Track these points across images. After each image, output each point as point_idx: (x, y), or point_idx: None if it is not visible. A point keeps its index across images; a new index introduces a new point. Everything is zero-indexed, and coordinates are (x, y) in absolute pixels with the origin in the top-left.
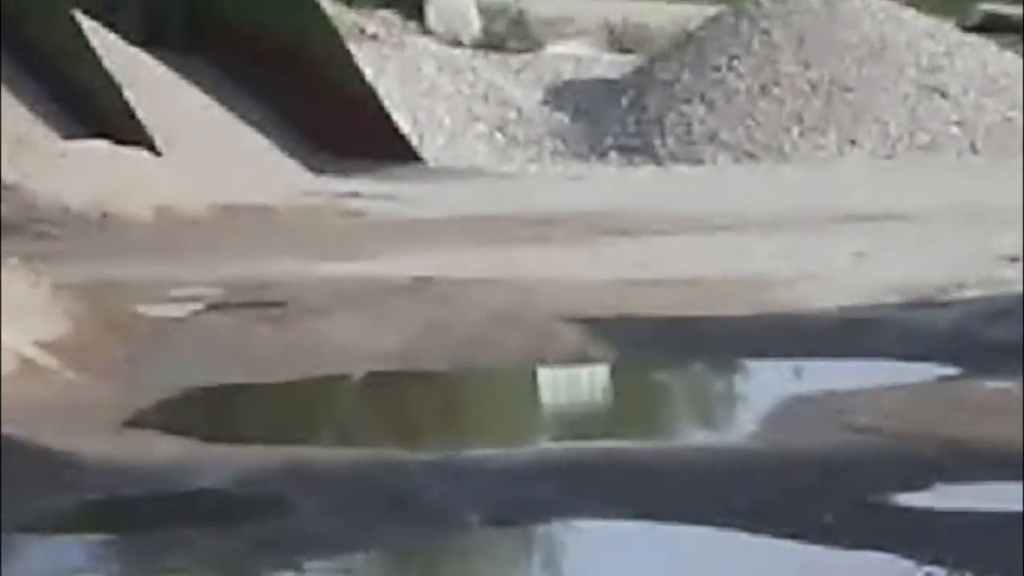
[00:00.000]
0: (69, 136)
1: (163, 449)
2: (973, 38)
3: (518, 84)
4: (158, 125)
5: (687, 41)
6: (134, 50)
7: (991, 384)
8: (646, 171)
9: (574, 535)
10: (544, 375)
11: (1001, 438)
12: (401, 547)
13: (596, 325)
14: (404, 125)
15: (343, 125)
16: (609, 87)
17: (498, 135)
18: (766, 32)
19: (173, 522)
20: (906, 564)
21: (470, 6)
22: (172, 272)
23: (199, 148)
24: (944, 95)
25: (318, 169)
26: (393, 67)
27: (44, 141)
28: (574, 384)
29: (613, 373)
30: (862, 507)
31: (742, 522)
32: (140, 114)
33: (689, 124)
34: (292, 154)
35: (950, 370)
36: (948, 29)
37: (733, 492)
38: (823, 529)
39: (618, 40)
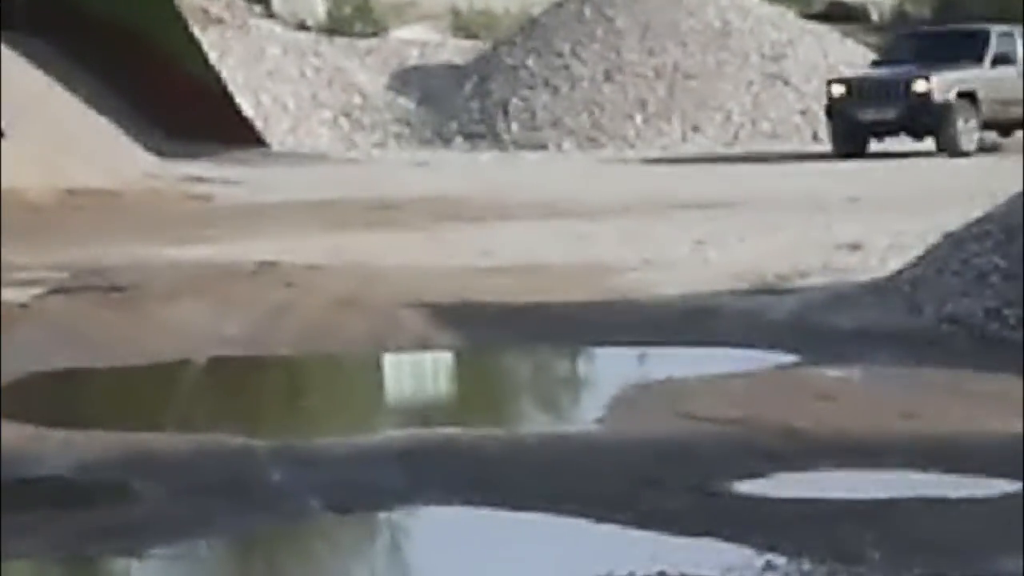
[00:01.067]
0: None
1: (4, 436)
2: (816, 26)
3: (363, 69)
4: (0, 107)
5: (531, 27)
6: None
7: (831, 372)
8: (490, 156)
9: (414, 522)
10: (387, 361)
11: (839, 426)
12: (243, 533)
13: (439, 311)
14: (248, 109)
15: (187, 109)
16: (454, 72)
17: (343, 120)
18: (610, 19)
19: (13, 509)
20: (746, 552)
21: None
22: (14, 256)
23: (42, 131)
24: (787, 83)
25: (162, 153)
26: (238, 50)
27: None
28: (417, 371)
29: (456, 360)
30: (702, 495)
31: (585, 510)
32: None
33: (533, 110)
34: (136, 138)
35: (790, 358)
36: (791, 17)
37: (575, 480)
38: (665, 517)
39: (463, 25)
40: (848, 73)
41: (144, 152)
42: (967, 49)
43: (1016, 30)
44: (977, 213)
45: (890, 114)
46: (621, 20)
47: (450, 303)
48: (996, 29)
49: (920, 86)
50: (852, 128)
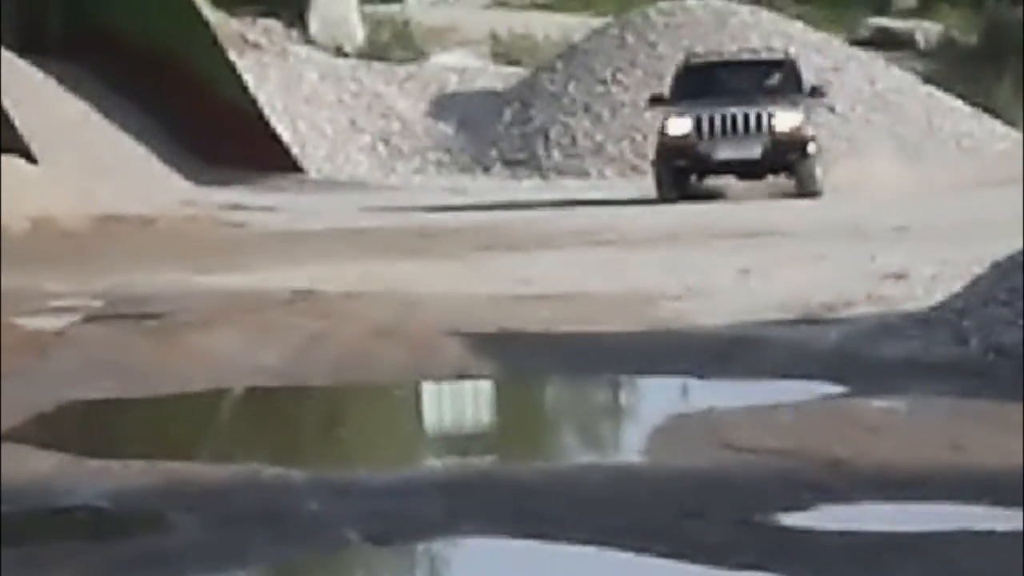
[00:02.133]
0: None
1: (39, 465)
2: (862, 53)
3: (402, 95)
4: (35, 133)
5: (572, 53)
6: (10, 55)
7: (876, 403)
8: (531, 184)
9: (453, 553)
10: (426, 391)
11: (884, 458)
12: (278, 564)
13: (478, 340)
14: (286, 135)
15: (224, 135)
16: (494, 99)
17: (381, 146)
18: (652, 44)
19: (49, 539)
20: None
21: (353, 15)
22: (49, 283)
23: (77, 157)
24: (832, 110)
25: (198, 179)
26: (275, 76)
27: None
28: (456, 400)
29: (495, 390)
30: (745, 527)
31: (625, 541)
32: (16, 121)
33: (574, 137)
34: (172, 164)
35: (835, 389)
36: (837, 44)
37: (616, 511)
38: (707, 549)
39: (503, 51)
40: (682, 109)
41: (180, 178)
42: (784, 81)
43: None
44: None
45: (753, 152)
46: (663, 45)
47: (489, 332)
48: (789, 56)
49: (787, 121)
50: (700, 168)
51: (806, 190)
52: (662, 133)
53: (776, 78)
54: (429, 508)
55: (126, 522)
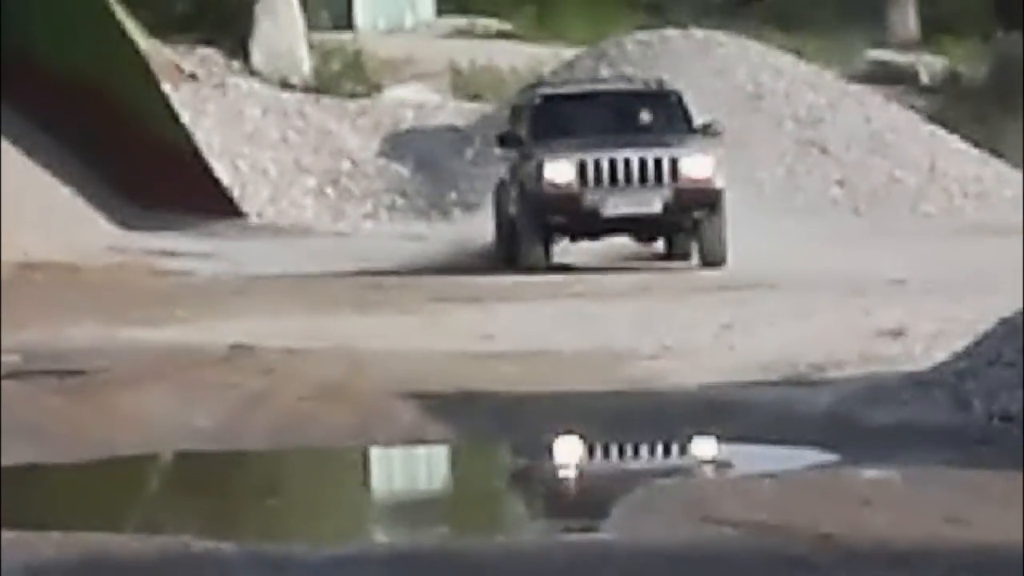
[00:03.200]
0: None
1: None
2: (858, 88)
3: (353, 132)
4: None
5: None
6: None
7: (869, 473)
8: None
9: None
10: (375, 457)
11: (878, 534)
12: None
13: (434, 402)
14: (224, 176)
15: (157, 175)
16: (453, 136)
17: (329, 189)
18: (628, 79)
19: None
20: None
21: (300, 44)
22: None
23: None
24: (824, 151)
25: (127, 224)
26: (213, 111)
27: None
28: (408, 468)
29: (452, 456)
30: None
31: None
32: None
33: None
34: (99, 206)
35: (825, 457)
36: (831, 79)
37: None
38: None
39: (464, 85)
40: (555, 150)
41: (107, 222)
42: (669, 116)
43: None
44: None
45: (652, 206)
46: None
47: (446, 392)
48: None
49: (697, 168)
50: (584, 226)
51: (711, 257)
52: (530, 180)
53: (660, 113)
54: None
55: None
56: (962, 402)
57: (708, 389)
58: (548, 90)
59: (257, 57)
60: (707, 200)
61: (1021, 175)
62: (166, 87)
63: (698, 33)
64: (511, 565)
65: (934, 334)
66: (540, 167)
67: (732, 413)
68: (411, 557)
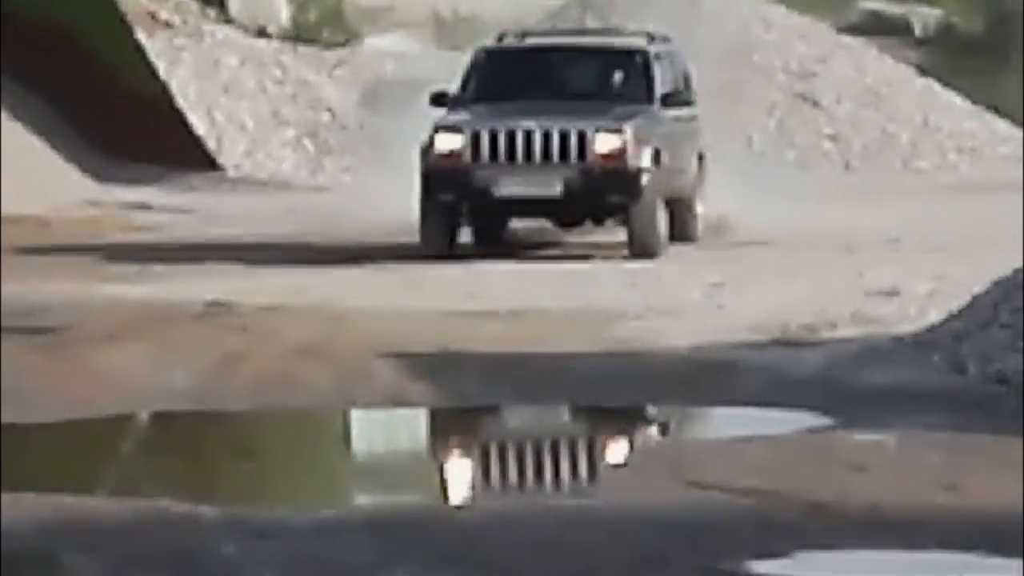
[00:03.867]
0: None
1: None
2: (852, 40)
3: (332, 83)
4: None
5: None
6: None
7: (862, 437)
8: None
9: None
10: (355, 419)
11: (871, 499)
12: None
13: (416, 362)
14: (200, 127)
15: (131, 126)
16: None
17: (308, 141)
18: (615, 28)
19: None
20: None
21: None
22: None
23: None
24: (816, 104)
25: (101, 176)
26: (189, 60)
27: None
28: (389, 430)
29: (434, 418)
30: (713, 575)
31: None
32: None
33: None
34: (71, 159)
35: (815, 420)
36: (824, 30)
37: (566, 555)
38: None
39: (447, 35)
40: (456, 118)
41: (80, 175)
42: (625, 80)
43: (671, 45)
44: None
45: (551, 187)
46: (628, 30)
47: (429, 352)
48: (654, 46)
49: (606, 143)
50: (475, 206)
51: (639, 248)
52: (425, 151)
53: (616, 77)
54: (356, 551)
55: (15, 564)
56: (957, 365)
57: (697, 350)
58: (502, 44)
59: (234, 4)
60: (619, 183)
61: (1017, 131)
62: (140, 35)
63: None
64: (493, 528)
65: (928, 294)
66: (432, 136)
67: (721, 374)
68: (391, 521)
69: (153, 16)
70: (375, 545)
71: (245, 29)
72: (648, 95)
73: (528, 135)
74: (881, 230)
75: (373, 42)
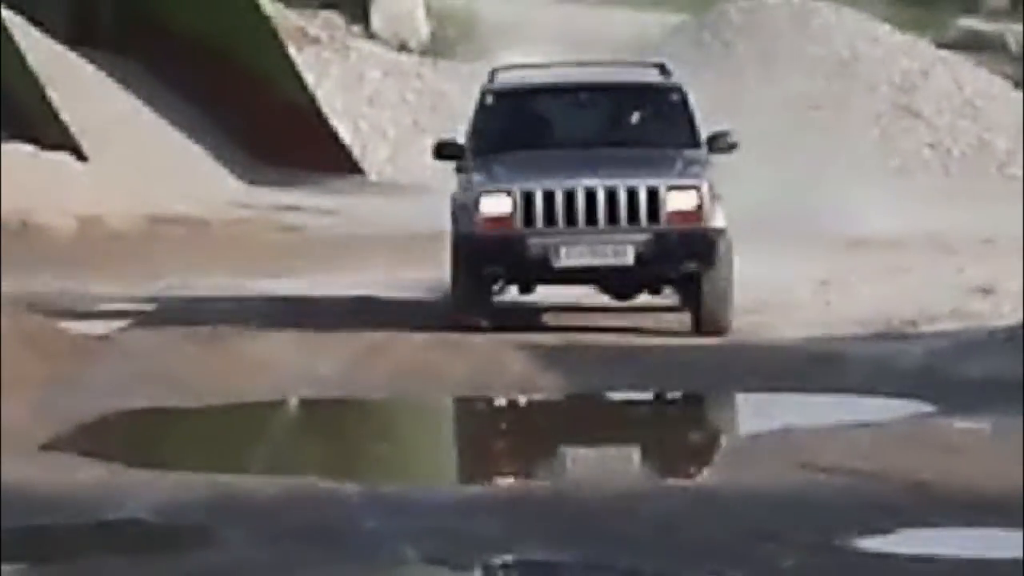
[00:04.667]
0: None
1: (83, 475)
2: (949, 55)
3: (468, 94)
4: (84, 129)
5: (639, 56)
6: (60, 48)
7: (960, 424)
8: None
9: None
10: (489, 406)
11: (968, 481)
12: None
13: (546, 352)
14: (346, 135)
15: (281, 133)
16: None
17: None
18: (729, 44)
19: (92, 552)
20: None
21: (418, 9)
22: (96, 286)
23: (127, 155)
24: (918, 115)
25: (252, 180)
26: (335, 72)
27: None
28: (519, 416)
29: (560, 405)
30: (822, 550)
31: (697, 564)
32: (65, 117)
33: None
34: (226, 163)
35: (917, 408)
36: (924, 46)
37: (687, 532)
38: (781, 572)
39: (574, 49)
40: (498, 176)
41: (233, 178)
42: (666, 121)
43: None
44: None
45: (625, 256)
46: (742, 46)
47: (557, 344)
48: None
49: (681, 202)
50: (530, 278)
51: (707, 324)
52: (464, 214)
53: (654, 117)
54: (490, 527)
55: (173, 537)
56: None
57: (808, 342)
58: (505, 83)
59: (377, 21)
60: (695, 247)
61: None
62: (291, 50)
63: (798, 1)
64: (616, 507)
65: (1021, 292)
66: (476, 199)
67: (830, 365)
68: (524, 500)
69: (303, 32)
70: (504, 522)
71: (387, 44)
72: (693, 138)
73: (590, 195)
74: (977, 232)
75: (505, 56)
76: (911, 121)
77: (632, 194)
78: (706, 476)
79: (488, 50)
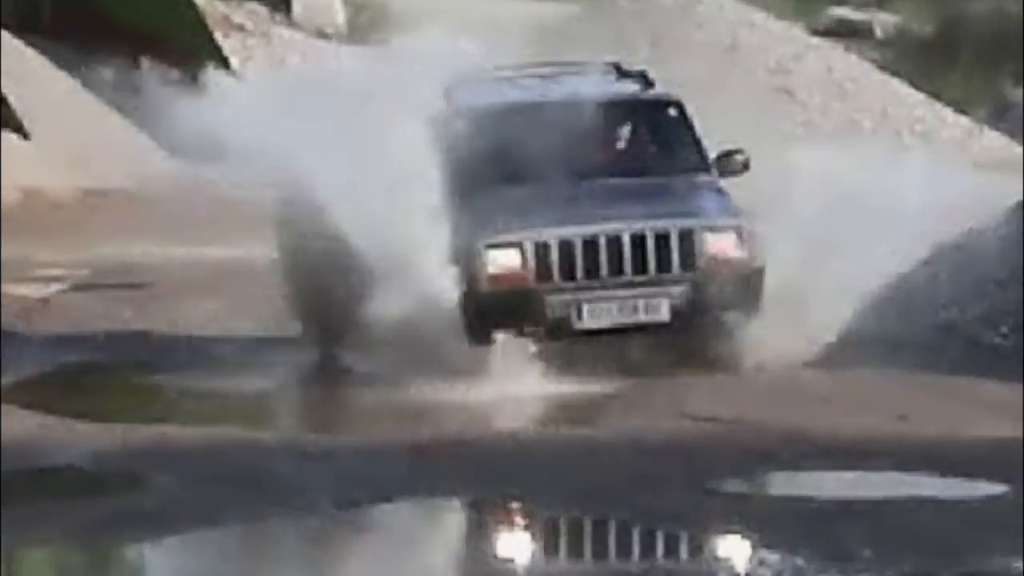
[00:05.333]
0: None
1: (24, 426)
2: (821, 42)
3: (378, 75)
4: (26, 108)
5: (541, 39)
6: (7, 35)
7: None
8: None
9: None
10: None
11: (839, 426)
12: (253, 523)
13: None
14: None
15: None
16: None
17: None
18: (621, 30)
19: (33, 497)
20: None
21: None
22: (37, 253)
23: (67, 132)
24: (792, 96)
25: (182, 153)
26: (259, 57)
27: None
28: None
29: None
30: (701, 492)
31: (586, 505)
32: (8, 97)
33: None
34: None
35: None
36: (798, 32)
37: (578, 476)
38: (663, 513)
39: (484, 35)
40: (502, 223)
41: (164, 153)
42: (670, 142)
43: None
44: None
45: (659, 312)
46: (632, 32)
47: None
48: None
49: (719, 244)
50: (548, 337)
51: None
52: (466, 267)
53: (655, 138)
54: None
55: (107, 481)
56: None
57: None
58: (482, 99)
59: (297, 9)
60: (737, 296)
61: (961, 118)
62: (218, 36)
63: None
64: (513, 450)
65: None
66: (478, 252)
67: None
68: (431, 445)
69: (228, 20)
70: (411, 466)
71: (307, 31)
72: (703, 161)
73: (612, 241)
74: None
75: (418, 42)
76: (786, 102)
77: (661, 238)
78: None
79: (400, 36)
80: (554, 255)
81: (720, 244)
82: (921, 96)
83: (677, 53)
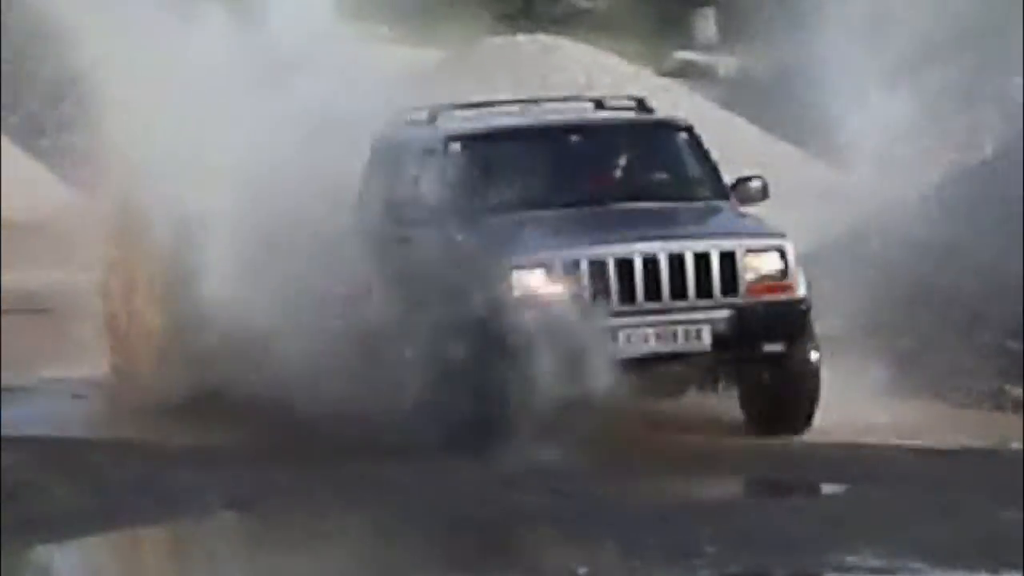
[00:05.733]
0: None
1: None
2: (669, 82)
3: None
4: None
5: (408, 83)
6: None
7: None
8: None
9: None
10: None
11: None
12: (147, 524)
13: None
14: None
15: None
16: None
17: None
18: (487, 74)
19: None
20: None
21: None
22: None
23: None
24: None
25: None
26: None
27: None
28: None
29: None
30: None
31: None
32: None
33: None
34: (56, 172)
35: None
36: (647, 75)
37: None
38: None
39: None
40: (532, 248)
41: (65, 184)
42: (686, 167)
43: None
44: None
45: (701, 339)
46: (498, 75)
47: None
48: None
49: (765, 266)
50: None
51: (793, 422)
52: (486, 297)
53: (671, 165)
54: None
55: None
56: None
57: None
58: (474, 124)
59: None
60: (782, 323)
61: (794, 149)
62: None
63: (543, 38)
64: None
65: None
66: (504, 273)
67: None
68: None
69: None
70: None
71: None
72: (719, 186)
73: (650, 263)
74: None
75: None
76: None
77: (701, 260)
78: None
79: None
80: (585, 277)
81: (764, 267)
82: (757, 131)
83: (539, 93)
